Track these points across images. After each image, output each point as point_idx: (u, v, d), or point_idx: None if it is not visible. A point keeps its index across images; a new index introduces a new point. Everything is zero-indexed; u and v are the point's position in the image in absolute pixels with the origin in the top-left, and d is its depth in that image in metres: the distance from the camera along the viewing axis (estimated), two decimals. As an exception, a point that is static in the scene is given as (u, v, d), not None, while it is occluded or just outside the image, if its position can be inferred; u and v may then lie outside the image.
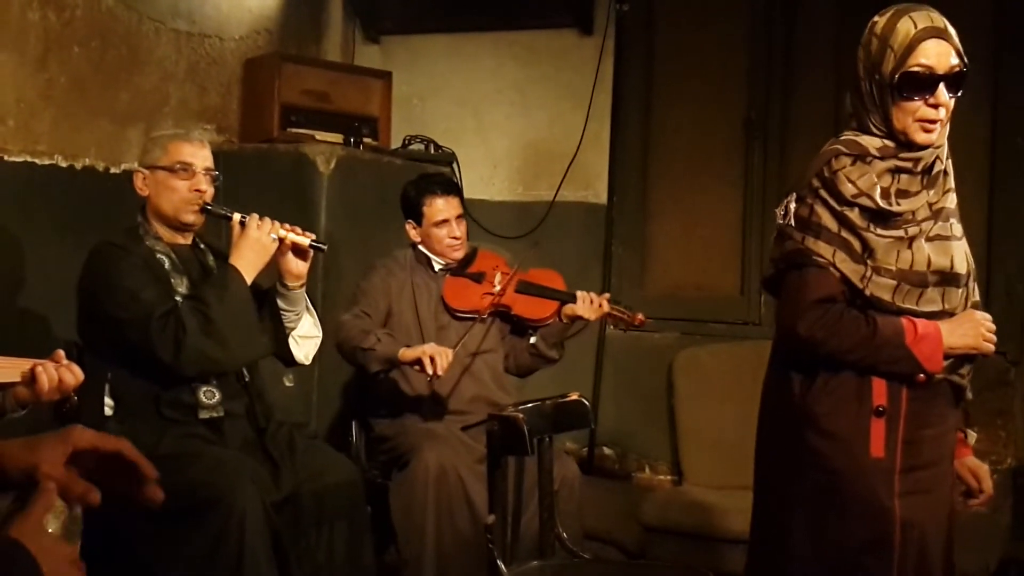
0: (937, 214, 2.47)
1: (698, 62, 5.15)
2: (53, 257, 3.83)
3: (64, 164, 4.05)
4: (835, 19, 4.84)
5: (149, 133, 4.23)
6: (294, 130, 4.73)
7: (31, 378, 2.31)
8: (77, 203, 3.99)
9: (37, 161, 3.95)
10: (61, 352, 2.39)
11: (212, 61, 4.75)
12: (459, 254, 4.05)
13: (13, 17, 3.83)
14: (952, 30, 2.42)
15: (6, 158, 3.83)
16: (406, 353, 3.71)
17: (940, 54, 2.38)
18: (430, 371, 3.63)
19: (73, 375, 2.36)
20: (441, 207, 4.00)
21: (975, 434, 2.70)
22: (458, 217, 4.03)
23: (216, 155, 4.62)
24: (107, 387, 3.16)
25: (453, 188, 4.12)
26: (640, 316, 3.93)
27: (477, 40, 5.40)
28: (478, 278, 4.03)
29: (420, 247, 4.07)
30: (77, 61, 4.09)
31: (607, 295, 3.95)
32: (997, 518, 4.37)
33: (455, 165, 5.15)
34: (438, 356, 3.64)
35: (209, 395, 3.24)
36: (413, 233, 4.06)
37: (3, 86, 3.81)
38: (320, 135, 4.77)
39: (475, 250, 4.15)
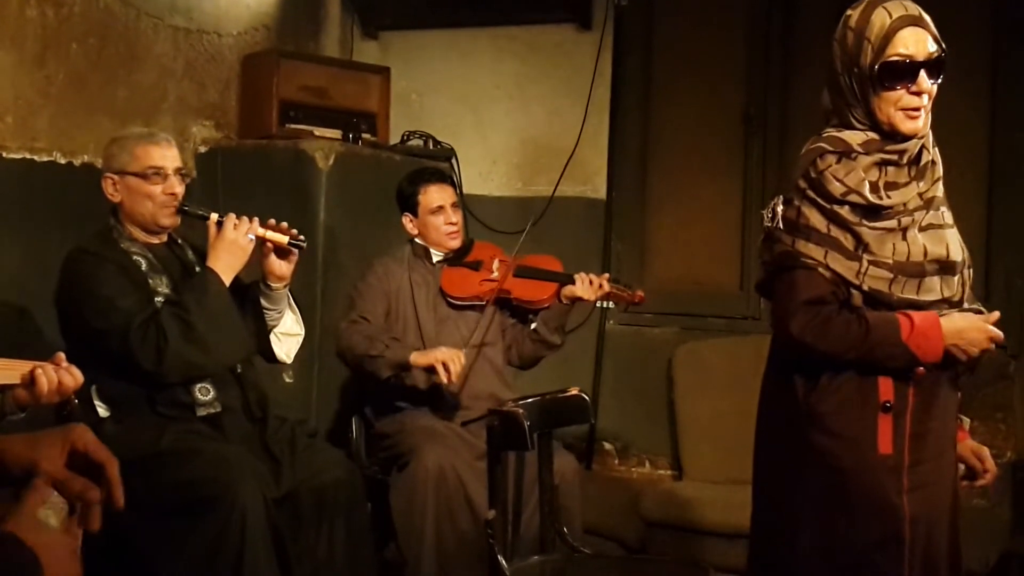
0: (929, 203, 2.46)
1: (697, 57, 5.15)
2: (52, 255, 3.81)
3: (63, 161, 4.05)
4: (833, 13, 4.71)
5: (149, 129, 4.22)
6: (293, 126, 4.73)
7: (31, 380, 2.31)
8: (76, 200, 3.98)
9: (36, 158, 3.95)
10: (61, 355, 2.38)
11: (210, 57, 4.75)
12: (456, 242, 4.06)
13: (11, 14, 3.83)
14: (927, 17, 2.41)
15: (4, 155, 3.83)
16: (419, 359, 3.72)
17: (918, 41, 2.37)
18: (444, 379, 3.65)
19: (73, 378, 2.35)
20: (435, 194, 4.02)
21: (968, 420, 2.69)
22: (453, 204, 4.05)
23: (215, 151, 4.68)
24: (94, 391, 3.14)
25: (445, 177, 4.15)
26: (640, 293, 3.96)
27: (475, 35, 5.40)
28: (476, 266, 4.04)
29: (418, 240, 4.07)
30: (75, 58, 4.09)
31: (606, 275, 3.96)
32: (997, 512, 4.37)
33: (454, 161, 5.16)
34: (451, 362, 3.65)
35: (204, 392, 3.24)
36: (410, 226, 4.06)
37: (1, 83, 3.81)
38: (319, 131, 4.76)
39: (471, 240, 4.16)
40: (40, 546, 1.45)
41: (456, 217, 4.05)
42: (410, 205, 4.05)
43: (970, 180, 4.52)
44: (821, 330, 2.38)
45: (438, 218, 4.02)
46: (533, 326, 3.99)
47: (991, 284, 4.41)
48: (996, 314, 2.49)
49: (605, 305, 4.97)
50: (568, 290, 3.91)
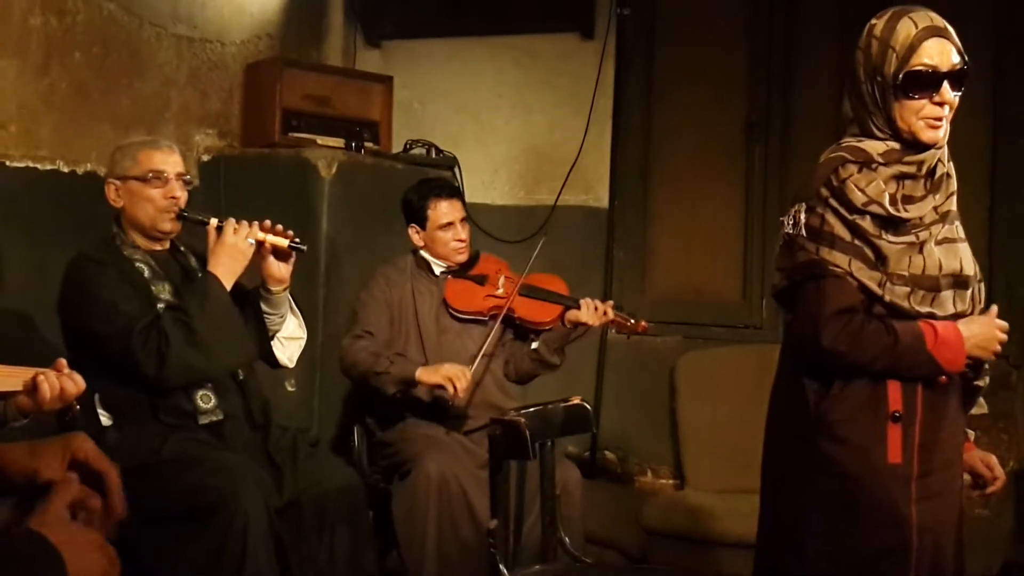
0: (944, 217, 2.48)
1: (699, 65, 5.15)
2: (55, 262, 3.82)
3: (66, 169, 4.05)
4: (835, 21, 4.84)
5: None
6: (295, 135, 4.73)
7: (32, 387, 2.31)
8: (79, 208, 3.98)
9: (39, 167, 3.95)
10: (63, 361, 2.38)
11: (213, 66, 4.75)
12: (463, 257, 4.06)
13: (14, 23, 3.83)
14: (951, 29, 2.43)
15: (8, 164, 3.83)
16: (424, 377, 3.74)
17: (942, 52, 2.39)
18: (451, 395, 3.68)
19: (75, 384, 2.35)
20: (446, 210, 4.01)
21: (974, 433, 2.71)
22: (462, 220, 4.05)
23: (218, 160, 4.69)
24: (97, 399, 3.14)
25: (456, 191, 4.14)
26: (643, 323, 3.97)
27: (478, 44, 5.40)
28: (481, 280, 4.04)
29: (422, 252, 4.07)
30: (78, 67, 4.10)
31: (611, 302, 3.97)
32: (999, 522, 4.37)
33: (456, 169, 5.16)
34: (458, 380, 3.67)
35: (206, 399, 3.24)
36: (416, 238, 4.06)
37: (5, 92, 3.81)
38: (321, 140, 4.76)
39: (477, 253, 4.16)
40: (64, 543, 1.46)
41: (465, 233, 4.05)
42: (418, 218, 4.04)
43: (972, 189, 4.49)
44: (854, 340, 2.38)
45: (447, 233, 4.02)
46: (534, 345, 4.00)
47: (993, 292, 4.40)
48: (994, 307, 2.52)
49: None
50: (572, 314, 3.91)
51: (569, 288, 4.05)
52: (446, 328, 4.00)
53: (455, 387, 3.66)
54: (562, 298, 3.97)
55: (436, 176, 4.50)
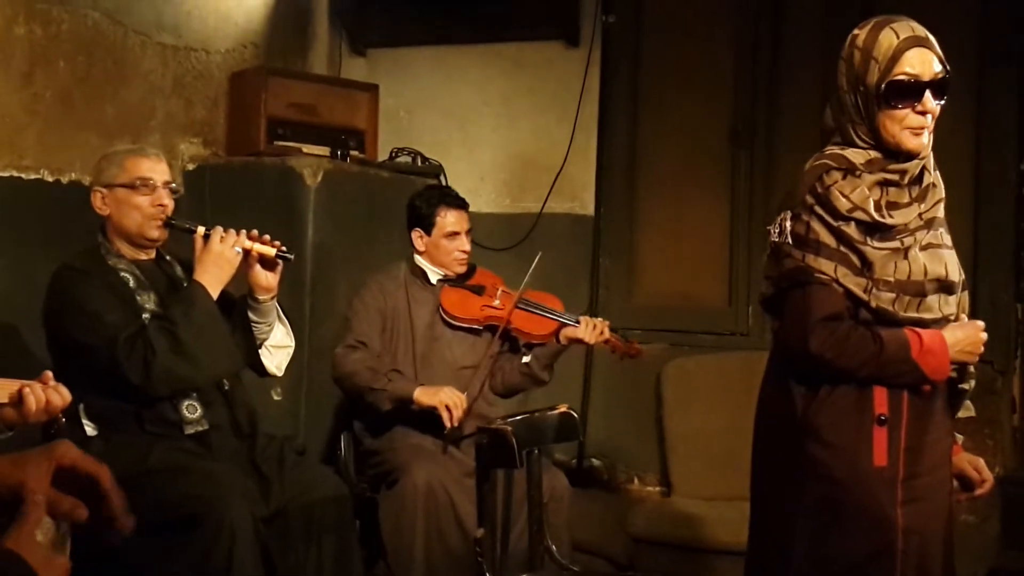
0: (929, 224, 2.50)
1: (684, 73, 5.16)
2: (40, 272, 3.80)
3: (50, 179, 4.04)
4: (821, 30, 4.85)
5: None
6: (281, 143, 4.72)
7: (18, 399, 2.30)
8: (63, 217, 3.97)
9: (23, 176, 3.94)
10: (49, 373, 2.37)
11: (198, 74, 4.75)
12: (463, 268, 4.08)
13: (-1, 32, 3.83)
14: (932, 39, 2.45)
15: (-8, 173, 3.82)
16: (422, 398, 3.76)
17: (924, 62, 2.41)
18: (447, 422, 3.71)
19: (60, 396, 2.35)
20: (454, 219, 4.04)
21: (962, 437, 2.73)
22: (467, 232, 4.07)
23: (203, 169, 4.68)
24: (82, 409, 3.13)
25: (464, 203, 4.16)
26: (637, 345, 4.00)
27: (463, 52, 5.40)
28: (478, 291, 4.05)
29: (419, 258, 4.07)
30: (63, 75, 4.09)
31: (607, 322, 3.98)
32: (986, 528, 4.37)
33: (442, 177, 5.16)
34: (455, 408, 3.70)
35: (192, 409, 3.23)
36: (419, 242, 4.06)
37: (-11, 101, 3.81)
38: (307, 148, 4.76)
39: (474, 266, 4.16)
40: (40, 566, 1.45)
41: (468, 245, 4.06)
42: (425, 224, 4.04)
43: (956, 196, 4.49)
44: (840, 347, 2.40)
45: (452, 242, 4.03)
46: (525, 359, 4.00)
47: (977, 299, 4.42)
48: (980, 323, 2.54)
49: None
50: (570, 331, 3.93)
51: (556, 295, 4.07)
52: (438, 336, 4.00)
53: (452, 415, 3.70)
54: (560, 315, 3.99)
55: (440, 184, 4.51)
